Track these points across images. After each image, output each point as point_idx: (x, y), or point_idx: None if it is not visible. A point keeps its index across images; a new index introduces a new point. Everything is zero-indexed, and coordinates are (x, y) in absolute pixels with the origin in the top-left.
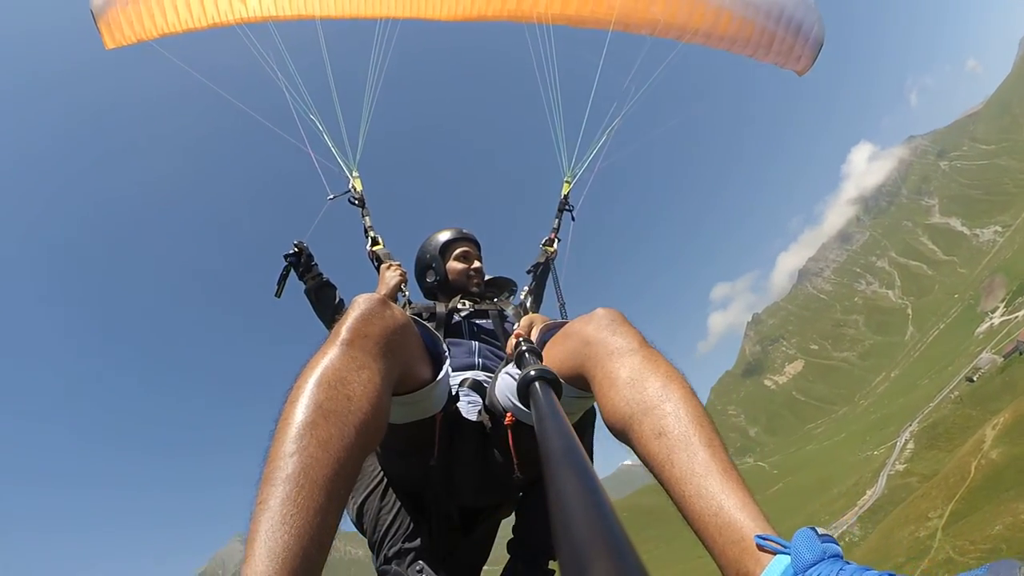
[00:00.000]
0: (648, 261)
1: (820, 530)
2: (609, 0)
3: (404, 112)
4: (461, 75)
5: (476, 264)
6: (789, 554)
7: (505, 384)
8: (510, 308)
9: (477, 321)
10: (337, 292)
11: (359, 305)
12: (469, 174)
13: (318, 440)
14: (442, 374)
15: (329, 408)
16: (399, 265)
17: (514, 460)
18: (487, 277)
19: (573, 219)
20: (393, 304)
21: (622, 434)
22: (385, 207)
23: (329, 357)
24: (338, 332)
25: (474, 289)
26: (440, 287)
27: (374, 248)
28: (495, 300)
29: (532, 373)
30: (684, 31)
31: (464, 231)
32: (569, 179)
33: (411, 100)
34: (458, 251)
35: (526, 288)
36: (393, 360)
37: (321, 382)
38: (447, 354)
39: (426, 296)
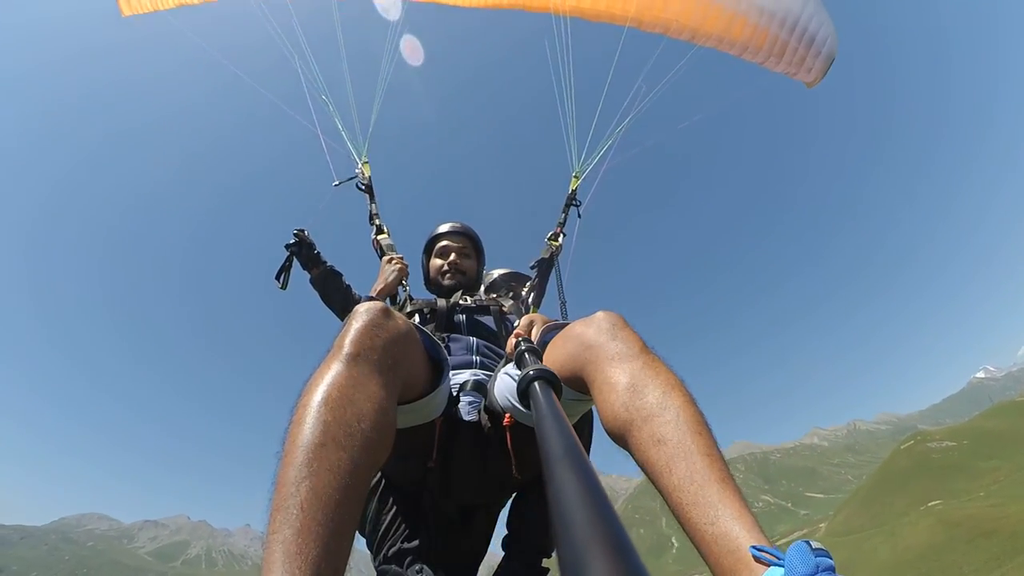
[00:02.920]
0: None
1: (814, 544)
2: None
3: (414, 101)
4: (475, 66)
5: (452, 258)
6: (783, 566)
7: (504, 385)
8: (509, 303)
9: (477, 317)
10: (344, 278)
11: (361, 316)
12: (478, 166)
13: (328, 464)
14: (443, 383)
15: (336, 429)
16: (401, 259)
17: (512, 461)
18: (503, 272)
19: (580, 216)
20: (395, 312)
21: (621, 439)
22: (392, 197)
23: (333, 373)
24: (341, 345)
25: (446, 283)
26: (426, 285)
27: (378, 237)
28: (495, 296)
29: (532, 372)
30: (697, 33)
31: (453, 225)
32: (578, 174)
33: (422, 89)
34: (438, 247)
35: (528, 284)
36: (397, 372)
37: (327, 401)
38: (447, 361)
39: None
